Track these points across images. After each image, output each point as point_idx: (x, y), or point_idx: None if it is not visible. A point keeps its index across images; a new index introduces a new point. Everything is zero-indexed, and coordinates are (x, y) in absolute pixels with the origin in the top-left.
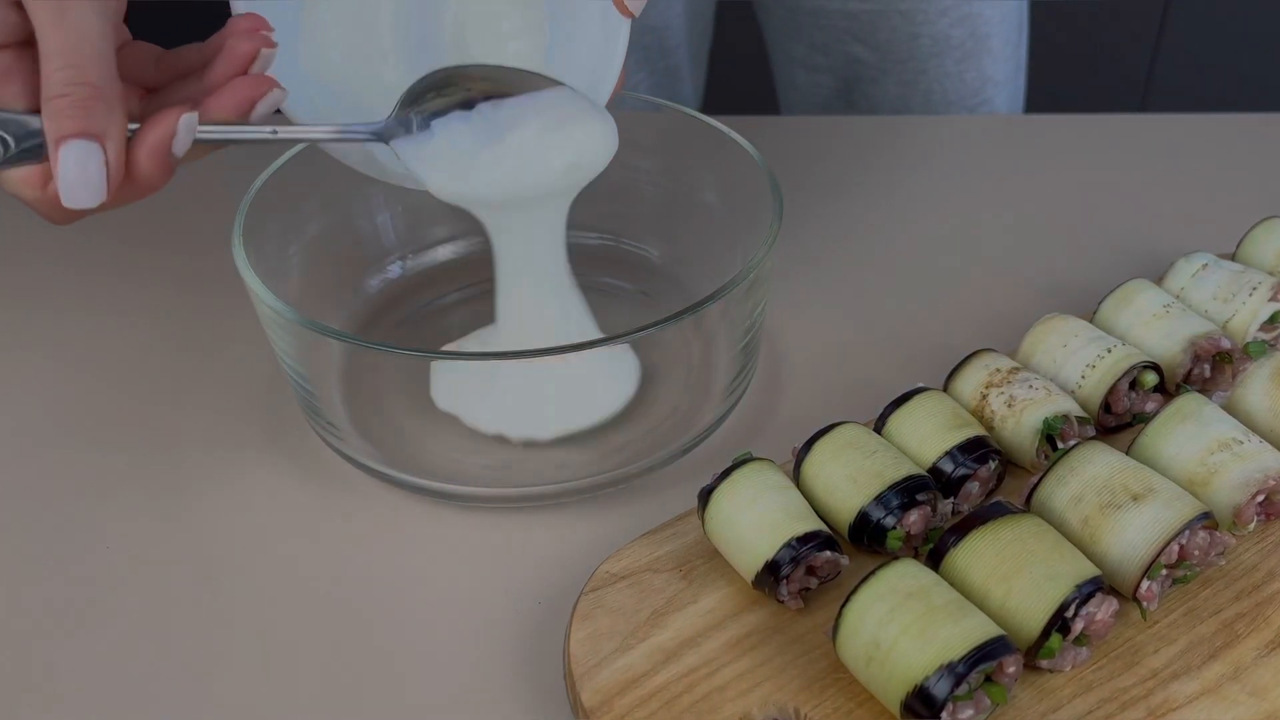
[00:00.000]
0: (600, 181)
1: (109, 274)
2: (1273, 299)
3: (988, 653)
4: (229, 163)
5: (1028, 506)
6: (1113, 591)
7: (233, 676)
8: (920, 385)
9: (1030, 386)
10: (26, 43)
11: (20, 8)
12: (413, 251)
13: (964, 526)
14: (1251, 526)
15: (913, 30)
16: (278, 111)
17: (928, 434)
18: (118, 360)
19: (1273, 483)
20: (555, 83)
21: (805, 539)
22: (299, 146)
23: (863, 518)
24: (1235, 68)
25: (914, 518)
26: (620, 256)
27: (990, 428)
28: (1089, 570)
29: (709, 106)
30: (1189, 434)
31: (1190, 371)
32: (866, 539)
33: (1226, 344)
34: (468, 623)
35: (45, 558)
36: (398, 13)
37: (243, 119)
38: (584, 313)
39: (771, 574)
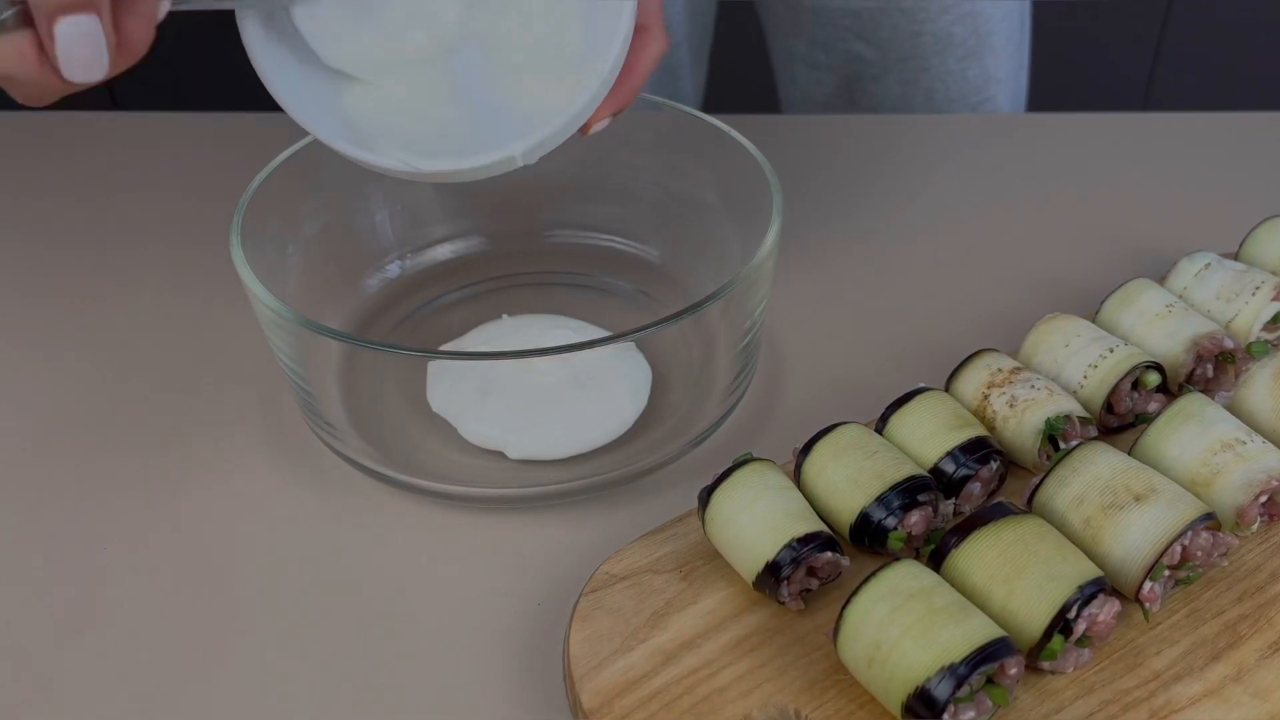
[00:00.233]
0: (600, 181)
1: (107, 273)
2: (1276, 298)
3: (989, 654)
4: (228, 162)
5: (1029, 507)
6: (1115, 593)
7: (231, 677)
8: (921, 385)
9: (1032, 386)
10: None
11: None
12: (411, 251)
13: (965, 527)
14: (1254, 527)
15: (915, 28)
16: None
17: (929, 434)
18: (115, 360)
19: (1275, 483)
20: None
21: (806, 540)
22: (298, 146)
23: (864, 518)
24: (1238, 66)
25: (915, 518)
26: (620, 256)
27: (992, 428)
28: (1091, 571)
29: (709, 105)
30: (1192, 434)
31: (1193, 371)
32: (868, 540)
33: (1229, 344)
34: (467, 624)
35: (43, 558)
36: None
37: None
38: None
39: (772, 575)
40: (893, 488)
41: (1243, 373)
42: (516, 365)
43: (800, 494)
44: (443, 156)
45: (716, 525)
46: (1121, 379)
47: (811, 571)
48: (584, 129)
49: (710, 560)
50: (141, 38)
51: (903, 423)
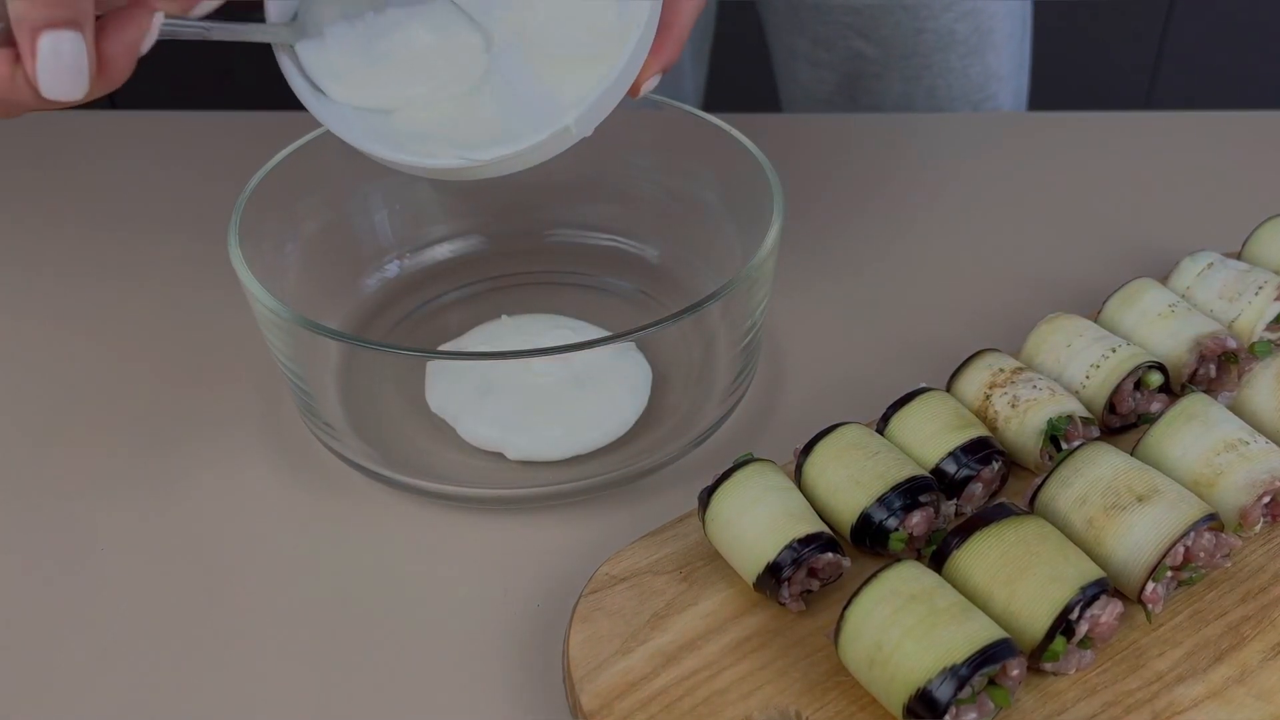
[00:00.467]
0: (600, 180)
1: (104, 272)
2: (1279, 298)
3: (991, 655)
4: (226, 161)
5: (1031, 508)
6: (1117, 594)
7: (229, 678)
8: (923, 385)
9: (1034, 386)
10: None
11: None
12: (410, 250)
13: (967, 528)
14: (1257, 528)
15: (917, 25)
16: (219, 16)
17: (930, 435)
18: (113, 360)
19: (1279, 484)
20: None
21: (807, 541)
22: (297, 144)
23: (865, 519)
24: (1241, 65)
25: (917, 519)
26: (620, 256)
27: (994, 428)
28: (1093, 572)
29: (710, 104)
30: (1194, 435)
31: (1195, 371)
32: (869, 541)
33: (1232, 344)
34: (466, 625)
35: (40, 557)
36: None
37: (183, 15)
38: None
39: (773, 576)
40: (894, 488)
41: (1246, 373)
42: (516, 365)
43: (801, 495)
44: (497, 145)
45: (717, 526)
46: (1124, 379)
47: (812, 572)
48: (634, 90)
49: (711, 561)
50: (122, 65)
51: (904, 423)
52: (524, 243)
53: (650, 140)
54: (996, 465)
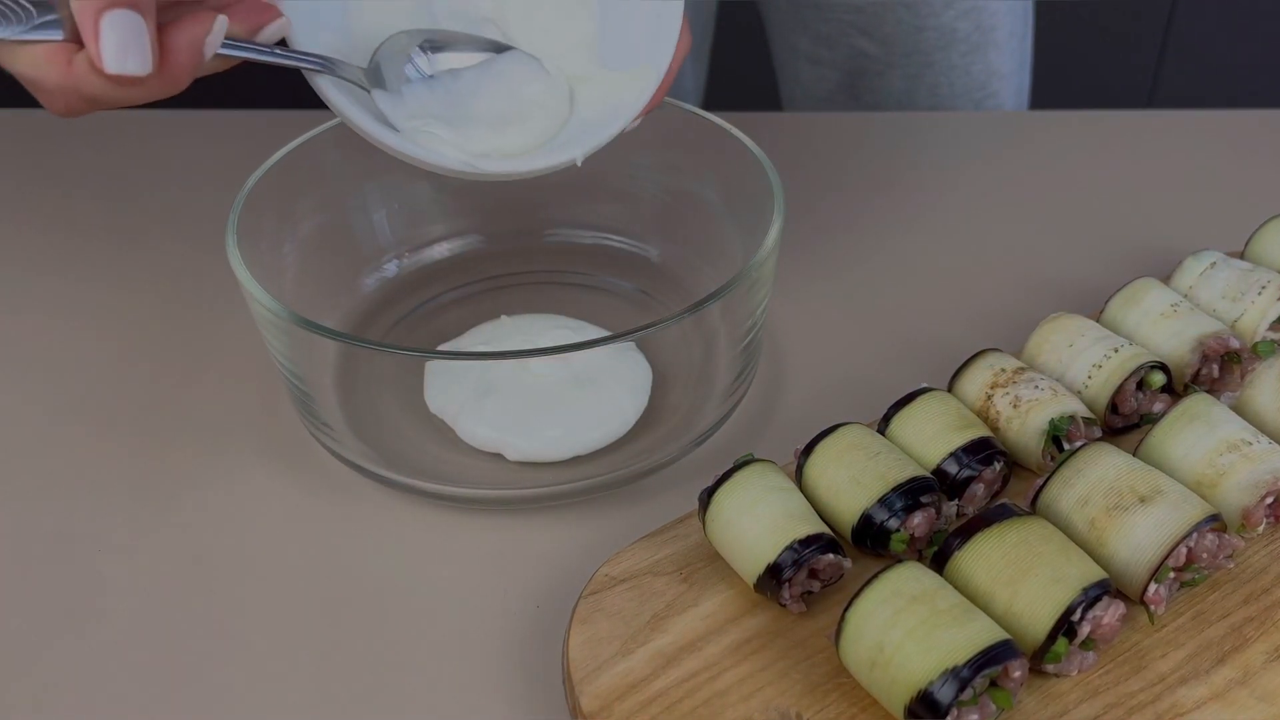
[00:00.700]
0: (600, 180)
1: (103, 273)
2: None
3: (993, 657)
4: (224, 160)
5: (1033, 509)
6: (1120, 595)
7: (228, 679)
8: (924, 385)
9: (1036, 387)
10: None
11: None
12: (409, 250)
13: (969, 529)
14: (1260, 529)
15: (918, 23)
16: (282, 44)
17: (932, 435)
18: (111, 360)
19: None
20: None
21: (807, 541)
22: (295, 143)
23: (866, 520)
24: (1244, 64)
25: (918, 520)
26: (620, 256)
27: (995, 429)
28: (1095, 573)
29: (710, 103)
30: (1197, 435)
31: (1198, 371)
32: (870, 542)
33: (1235, 343)
34: (465, 626)
35: (39, 559)
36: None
37: (251, 40)
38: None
39: (773, 577)
40: (895, 489)
41: (1249, 373)
42: (515, 365)
43: (802, 495)
44: (506, 162)
45: (717, 527)
46: (1126, 379)
47: (813, 573)
48: None
49: (711, 562)
50: (184, 61)
51: (905, 423)
52: (523, 242)
53: (650, 140)
54: (998, 466)
